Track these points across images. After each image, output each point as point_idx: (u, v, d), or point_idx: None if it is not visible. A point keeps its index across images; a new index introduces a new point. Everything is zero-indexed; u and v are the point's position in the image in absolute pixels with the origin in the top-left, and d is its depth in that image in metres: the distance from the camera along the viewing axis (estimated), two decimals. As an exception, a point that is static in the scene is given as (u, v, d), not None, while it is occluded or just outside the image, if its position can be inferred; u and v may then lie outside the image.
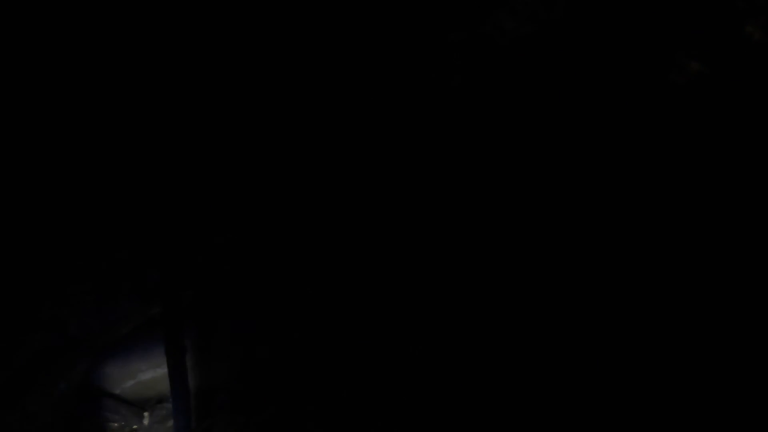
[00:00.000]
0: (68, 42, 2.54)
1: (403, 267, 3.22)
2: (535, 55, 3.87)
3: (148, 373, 3.24)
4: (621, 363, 2.46)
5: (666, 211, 3.60)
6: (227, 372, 3.07)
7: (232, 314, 3.19)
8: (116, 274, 2.97)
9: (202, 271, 3.10)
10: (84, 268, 2.81)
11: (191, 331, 3.06)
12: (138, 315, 3.23)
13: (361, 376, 2.88)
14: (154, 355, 3.14)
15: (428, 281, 3.21)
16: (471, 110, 4.01)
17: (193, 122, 2.85)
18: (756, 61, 3.90)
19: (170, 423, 2.86)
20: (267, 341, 3.09)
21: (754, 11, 3.83)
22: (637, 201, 3.74)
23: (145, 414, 3.09)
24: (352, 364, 2.96)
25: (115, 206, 2.83)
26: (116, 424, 3.06)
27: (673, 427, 2.13)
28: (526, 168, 4.48)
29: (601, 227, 3.63)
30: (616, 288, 3.26)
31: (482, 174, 4.53)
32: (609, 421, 2.26)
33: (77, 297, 2.80)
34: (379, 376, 2.71)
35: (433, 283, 3.25)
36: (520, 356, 2.73)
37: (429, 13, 3.40)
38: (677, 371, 2.33)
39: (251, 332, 3.17)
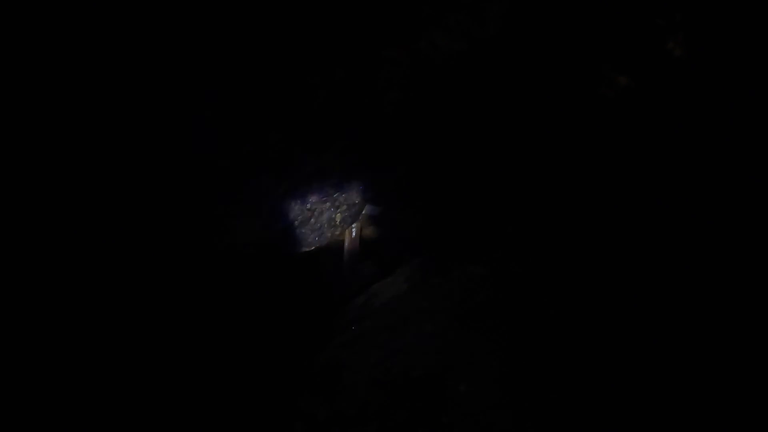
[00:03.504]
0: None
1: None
2: (469, 71, 3.95)
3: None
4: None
5: (597, 223, 3.71)
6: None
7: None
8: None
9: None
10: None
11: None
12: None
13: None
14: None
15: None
16: (406, 126, 4.07)
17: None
18: (678, 75, 4.09)
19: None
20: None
21: (673, 28, 4.02)
22: (569, 212, 3.85)
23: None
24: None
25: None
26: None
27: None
28: (457, 182, 4.58)
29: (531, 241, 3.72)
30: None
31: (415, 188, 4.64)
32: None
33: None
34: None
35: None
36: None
37: (361, 28, 3.43)
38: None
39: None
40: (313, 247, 4.53)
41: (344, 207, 4.42)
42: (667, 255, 3.10)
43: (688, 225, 3.23)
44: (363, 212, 4.66)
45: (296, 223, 4.14)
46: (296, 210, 4.02)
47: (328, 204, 4.22)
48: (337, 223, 4.53)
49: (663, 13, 4.14)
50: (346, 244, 4.64)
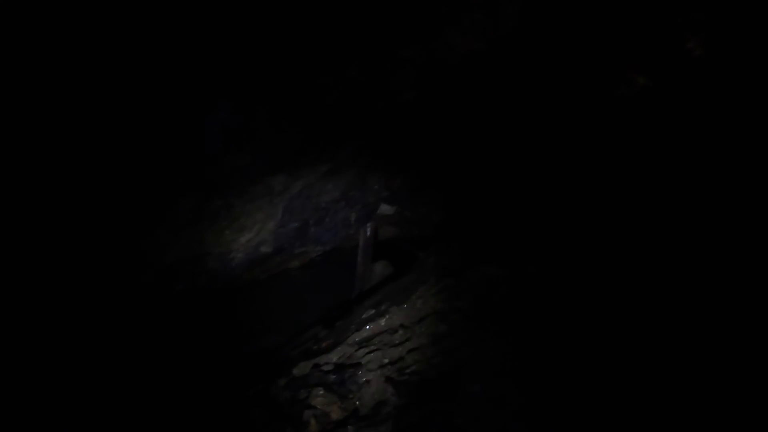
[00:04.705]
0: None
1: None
2: (486, 71, 3.93)
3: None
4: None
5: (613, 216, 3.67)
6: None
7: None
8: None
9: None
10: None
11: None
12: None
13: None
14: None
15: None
16: (420, 126, 4.06)
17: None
18: (698, 76, 4.02)
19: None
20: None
21: (693, 28, 3.96)
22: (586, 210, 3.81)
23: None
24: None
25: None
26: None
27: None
28: (474, 179, 4.56)
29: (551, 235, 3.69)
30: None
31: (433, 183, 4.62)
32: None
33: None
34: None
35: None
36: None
37: (380, 28, 3.42)
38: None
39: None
40: (328, 246, 4.55)
41: (359, 206, 4.43)
42: (684, 256, 3.06)
43: (705, 228, 3.18)
44: (377, 211, 4.66)
45: (311, 222, 4.16)
46: (311, 209, 4.03)
47: (342, 203, 4.23)
48: (352, 222, 4.54)
49: (682, 12, 4.07)
50: (361, 243, 4.65)
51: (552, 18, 3.98)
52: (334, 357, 3.32)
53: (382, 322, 3.47)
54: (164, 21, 2.74)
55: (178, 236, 3.30)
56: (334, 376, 3.09)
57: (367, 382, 2.91)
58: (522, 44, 3.93)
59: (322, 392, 2.96)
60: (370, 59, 3.57)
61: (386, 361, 3.02)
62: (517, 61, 4.00)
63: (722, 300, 2.68)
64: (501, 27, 3.74)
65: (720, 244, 3.00)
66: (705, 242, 3.09)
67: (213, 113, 2.81)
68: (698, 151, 3.59)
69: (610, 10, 4.14)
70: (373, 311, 3.71)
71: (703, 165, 3.54)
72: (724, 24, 3.93)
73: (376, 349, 3.19)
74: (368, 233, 4.67)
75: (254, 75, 3.15)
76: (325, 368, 3.22)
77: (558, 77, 4.27)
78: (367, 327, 3.49)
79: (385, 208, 4.70)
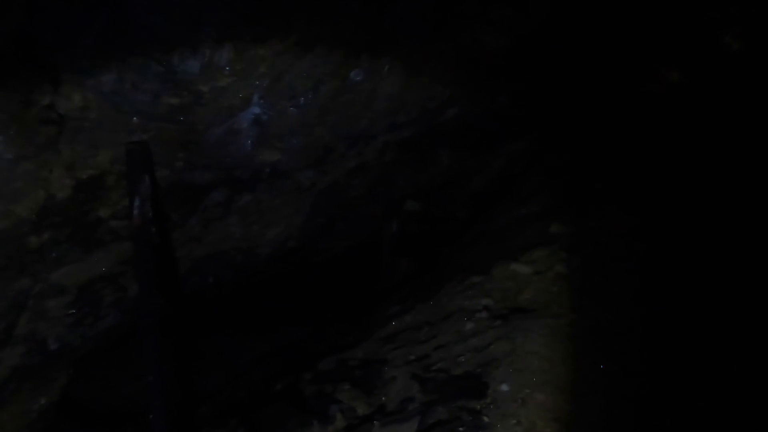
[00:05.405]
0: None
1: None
2: (513, 67, 3.90)
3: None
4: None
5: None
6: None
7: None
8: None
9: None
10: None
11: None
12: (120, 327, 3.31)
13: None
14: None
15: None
16: (447, 119, 4.04)
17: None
18: (737, 71, 3.92)
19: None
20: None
21: (729, 22, 3.86)
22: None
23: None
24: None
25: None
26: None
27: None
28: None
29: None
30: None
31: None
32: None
33: (56, 311, 2.86)
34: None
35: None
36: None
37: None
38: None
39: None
40: (353, 242, 4.58)
41: (384, 202, 4.44)
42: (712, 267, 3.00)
43: (739, 234, 3.11)
44: (403, 207, 4.67)
45: (337, 217, 4.19)
46: (337, 205, 4.06)
47: (368, 199, 4.25)
48: (377, 218, 4.56)
49: (717, 6, 3.97)
50: (386, 238, 4.66)
51: (582, 11, 3.92)
52: (359, 352, 3.34)
53: (407, 318, 3.48)
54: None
55: (208, 231, 3.35)
56: (360, 372, 3.12)
57: (393, 378, 2.93)
58: (550, 39, 3.88)
59: (348, 387, 2.98)
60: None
61: (412, 357, 3.03)
62: (545, 56, 3.95)
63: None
64: (529, 21, 3.70)
65: (753, 249, 2.94)
66: (736, 248, 3.03)
67: (245, 108, 2.85)
68: (735, 151, 3.50)
69: (642, 4, 4.06)
70: (398, 307, 3.72)
71: (742, 165, 3.45)
72: (762, 18, 3.82)
73: (401, 346, 3.21)
74: (393, 229, 4.68)
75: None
76: (351, 363, 3.25)
77: (586, 73, 4.20)
78: (393, 323, 3.50)
79: (410, 205, 4.70)
